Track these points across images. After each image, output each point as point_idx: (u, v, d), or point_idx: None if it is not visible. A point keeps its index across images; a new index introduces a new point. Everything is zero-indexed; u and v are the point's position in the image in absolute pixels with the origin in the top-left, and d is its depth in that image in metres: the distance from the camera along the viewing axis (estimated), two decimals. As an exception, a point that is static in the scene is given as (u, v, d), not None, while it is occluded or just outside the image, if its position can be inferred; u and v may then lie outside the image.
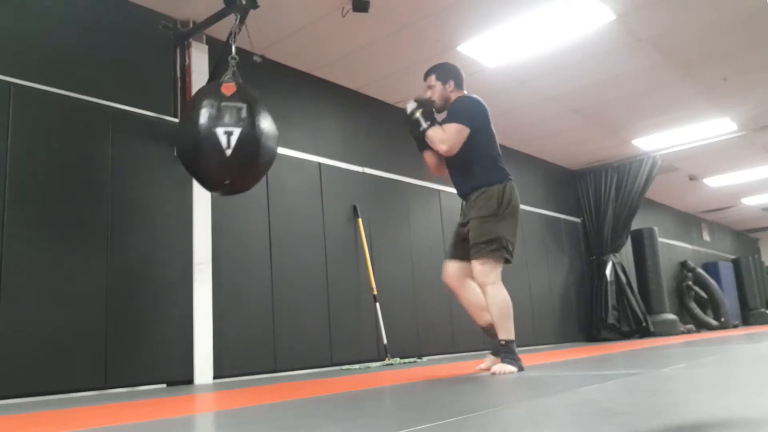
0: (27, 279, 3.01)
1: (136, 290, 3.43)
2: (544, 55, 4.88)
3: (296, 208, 4.46)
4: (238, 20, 3.23)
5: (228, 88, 2.89)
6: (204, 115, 2.84)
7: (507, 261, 2.95)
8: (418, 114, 3.05)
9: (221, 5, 3.37)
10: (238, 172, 3.00)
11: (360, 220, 4.88)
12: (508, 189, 2.98)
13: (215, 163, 2.89)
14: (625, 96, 5.89)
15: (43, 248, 3.10)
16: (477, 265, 2.91)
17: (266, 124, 3.03)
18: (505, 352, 2.86)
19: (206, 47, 4.08)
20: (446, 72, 3.13)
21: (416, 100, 3.10)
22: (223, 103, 2.86)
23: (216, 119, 2.83)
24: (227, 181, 3.03)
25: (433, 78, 3.13)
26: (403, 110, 3.13)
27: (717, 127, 6.94)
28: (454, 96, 3.10)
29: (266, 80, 4.57)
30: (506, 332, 2.88)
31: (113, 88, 3.57)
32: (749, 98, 6.20)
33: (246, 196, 4.13)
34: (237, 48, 3.30)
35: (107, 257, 3.32)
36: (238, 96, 2.92)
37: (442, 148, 2.96)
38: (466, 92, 3.14)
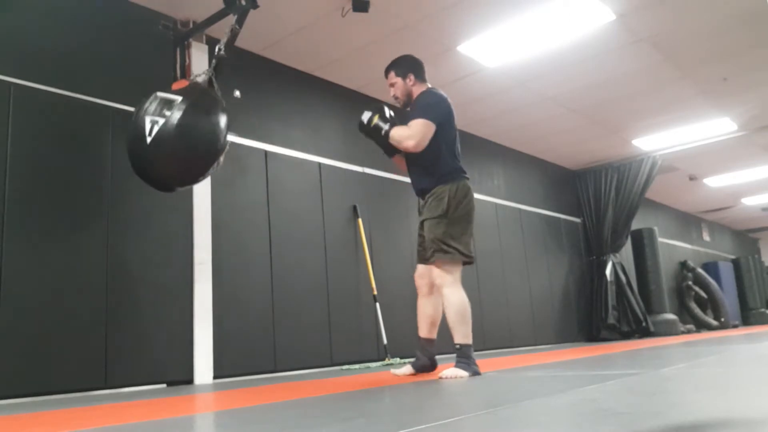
0: (27, 279, 3.01)
1: (136, 290, 3.43)
2: (544, 55, 4.88)
3: (296, 208, 4.46)
4: (235, 20, 3.22)
5: (178, 84, 2.96)
6: (142, 105, 2.94)
7: (467, 262, 2.87)
8: (376, 119, 2.98)
9: (221, 5, 3.37)
10: (157, 161, 2.95)
11: (360, 220, 4.88)
12: (460, 188, 2.88)
13: (138, 150, 2.93)
14: (625, 96, 5.89)
15: (43, 248, 3.10)
16: (434, 268, 2.87)
17: (202, 121, 2.96)
18: (459, 356, 2.78)
19: (206, 47, 4.08)
20: (404, 66, 3.06)
21: (369, 110, 3.04)
22: (160, 94, 2.92)
23: (148, 109, 2.90)
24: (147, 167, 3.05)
25: (392, 74, 3.06)
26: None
27: (717, 127, 6.94)
28: (416, 89, 3.02)
29: (266, 80, 4.57)
30: (462, 336, 2.79)
31: (113, 88, 3.57)
32: (749, 98, 6.20)
33: (246, 196, 4.15)
34: (238, 48, 3.29)
35: (107, 257, 3.32)
36: (181, 91, 2.94)
37: (410, 144, 2.87)
38: (429, 85, 3.07)
